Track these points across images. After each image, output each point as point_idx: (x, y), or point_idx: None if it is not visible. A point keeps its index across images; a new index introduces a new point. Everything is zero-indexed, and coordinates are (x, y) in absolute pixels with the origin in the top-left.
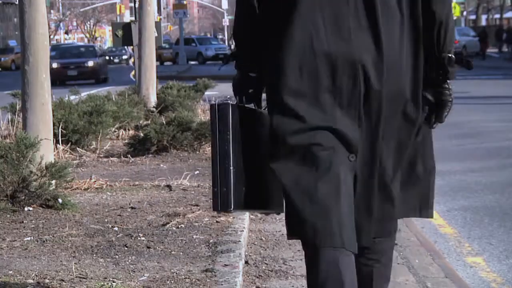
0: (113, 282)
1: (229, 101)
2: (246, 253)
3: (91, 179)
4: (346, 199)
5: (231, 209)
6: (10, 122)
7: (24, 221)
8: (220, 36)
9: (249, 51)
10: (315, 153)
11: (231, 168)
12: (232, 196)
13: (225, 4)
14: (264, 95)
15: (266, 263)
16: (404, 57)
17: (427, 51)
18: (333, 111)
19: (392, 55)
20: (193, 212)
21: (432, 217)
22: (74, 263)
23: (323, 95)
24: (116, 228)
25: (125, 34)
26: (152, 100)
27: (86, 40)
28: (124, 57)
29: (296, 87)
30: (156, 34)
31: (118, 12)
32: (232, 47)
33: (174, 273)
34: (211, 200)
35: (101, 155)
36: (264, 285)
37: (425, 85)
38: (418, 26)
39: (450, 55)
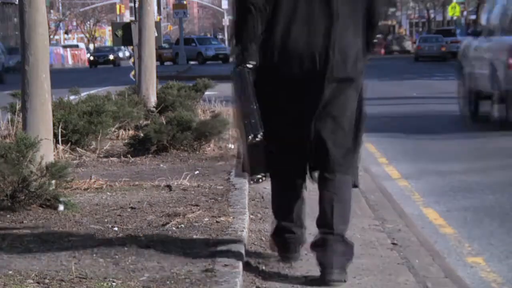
0: (113, 282)
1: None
2: (246, 253)
3: (91, 179)
4: (301, 154)
5: (260, 133)
6: (10, 122)
7: (24, 221)
8: (220, 36)
9: (248, 47)
10: (289, 119)
11: (255, 106)
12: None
13: (225, 4)
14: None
15: (266, 263)
16: (353, 46)
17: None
18: (302, 89)
19: (343, 46)
20: (193, 212)
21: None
22: (74, 263)
23: (296, 77)
24: (116, 228)
25: (125, 34)
26: (152, 100)
27: (86, 40)
28: (111, 57)
29: (282, 71)
30: (156, 34)
31: (118, 12)
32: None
33: (174, 273)
34: (244, 131)
35: (101, 155)
36: (264, 285)
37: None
38: (361, 26)
39: (374, 41)
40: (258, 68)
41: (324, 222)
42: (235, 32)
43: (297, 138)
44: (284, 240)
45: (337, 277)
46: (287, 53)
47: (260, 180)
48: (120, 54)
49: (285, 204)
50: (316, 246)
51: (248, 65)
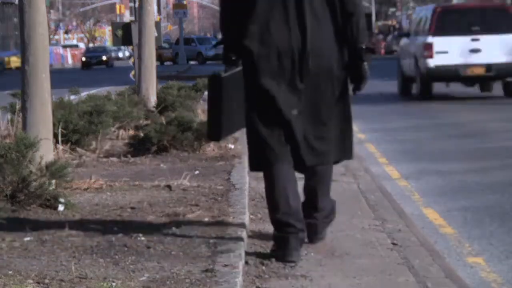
0: (113, 282)
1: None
2: (246, 253)
3: (91, 179)
4: (286, 143)
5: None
6: (10, 122)
7: (24, 221)
8: (220, 36)
9: (231, 41)
10: (272, 112)
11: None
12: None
13: None
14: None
15: (266, 263)
16: (328, 44)
17: (348, 44)
18: (281, 82)
19: (318, 45)
20: (193, 212)
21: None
22: (74, 263)
23: (275, 72)
24: (116, 228)
25: (125, 34)
26: (152, 100)
27: (86, 40)
28: (104, 58)
29: (262, 67)
30: (156, 34)
31: (118, 12)
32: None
33: (174, 273)
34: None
35: (101, 155)
36: (264, 285)
37: (349, 66)
38: (338, 27)
39: (362, 46)
40: (243, 62)
41: (310, 204)
42: (220, 28)
43: (282, 128)
44: (285, 235)
45: (319, 241)
46: (266, 51)
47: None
48: (120, 54)
49: (280, 196)
50: (303, 216)
51: (231, 57)
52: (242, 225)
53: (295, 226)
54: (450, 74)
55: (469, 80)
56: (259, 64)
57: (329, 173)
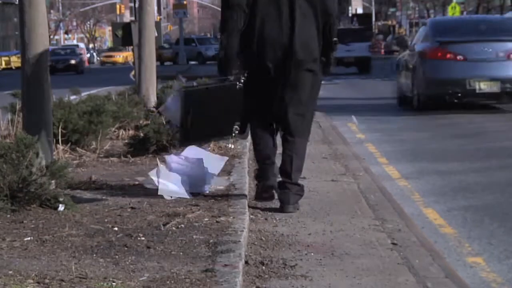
0: (113, 282)
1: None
2: (246, 253)
3: (91, 179)
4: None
5: (190, 141)
6: (10, 122)
7: (24, 221)
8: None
9: (232, 34)
10: (261, 92)
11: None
12: (191, 133)
13: None
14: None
15: (266, 263)
16: (312, 39)
17: (324, 38)
18: (274, 69)
19: (304, 38)
20: (193, 212)
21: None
22: (74, 263)
23: (269, 62)
24: (116, 228)
25: (125, 34)
26: (152, 100)
27: (86, 40)
28: (72, 62)
29: (258, 58)
30: (156, 34)
31: (118, 12)
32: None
33: (174, 273)
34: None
35: (101, 155)
36: (264, 285)
37: (322, 55)
38: (319, 24)
39: (335, 39)
40: (243, 53)
41: (285, 173)
42: (222, 24)
43: (269, 104)
44: (264, 166)
45: (292, 210)
46: (263, 43)
47: (236, 131)
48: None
49: (261, 149)
50: (278, 187)
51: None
52: (242, 225)
53: (271, 159)
54: (337, 61)
55: (346, 64)
56: (257, 54)
57: (303, 146)
